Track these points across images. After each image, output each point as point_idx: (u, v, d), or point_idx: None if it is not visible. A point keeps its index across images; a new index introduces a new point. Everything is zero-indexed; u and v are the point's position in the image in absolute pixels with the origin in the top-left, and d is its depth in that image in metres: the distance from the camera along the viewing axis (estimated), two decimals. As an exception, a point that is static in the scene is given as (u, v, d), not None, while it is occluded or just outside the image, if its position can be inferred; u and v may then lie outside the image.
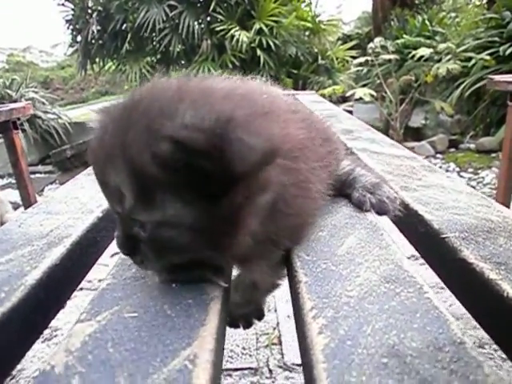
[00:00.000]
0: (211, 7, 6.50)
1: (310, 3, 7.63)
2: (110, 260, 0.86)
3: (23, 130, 5.39)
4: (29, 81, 7.05)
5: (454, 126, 5.50)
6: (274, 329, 1.98)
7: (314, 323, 0.43)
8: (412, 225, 0.73)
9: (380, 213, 0.73)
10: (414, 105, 5.57)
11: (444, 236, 0.63)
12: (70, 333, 0.44)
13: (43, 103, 6.41)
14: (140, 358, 0.40)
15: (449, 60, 4.79)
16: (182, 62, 7.47)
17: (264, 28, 6.47)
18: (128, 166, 0.46)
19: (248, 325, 0.89)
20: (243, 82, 0.60)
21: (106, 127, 0.50)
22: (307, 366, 0.39)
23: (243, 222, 0.47)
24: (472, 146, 4.86)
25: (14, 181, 5.11)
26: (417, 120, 5.64)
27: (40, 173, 5.34)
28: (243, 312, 0.86)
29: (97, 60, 7.36)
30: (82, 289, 2.13)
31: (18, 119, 2.26)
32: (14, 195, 4.05)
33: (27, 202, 2.41)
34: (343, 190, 0.76)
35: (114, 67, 7.64)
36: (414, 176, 0.92)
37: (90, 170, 1.05)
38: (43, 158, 5.90)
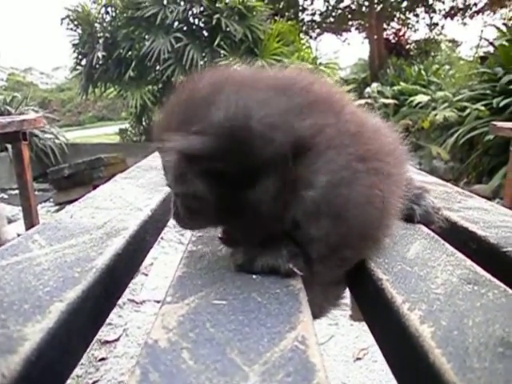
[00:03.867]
0: (216, 42, 6.71)
1: (310, 47, 7.95)
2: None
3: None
4: (28, 100, 7.09)
5: (447, 172, 5.64)
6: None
7: (412, 314, 0.43)
8: (461, 241, 0.73)
9: (425, 223, 0.74)
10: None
11: (505, 250, 0.63)
12: (162, 312, 0.43)
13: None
14: (245, 338, 0.38)
15: (445, 108, 4.97)
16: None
17: (266, 66, 6.66)
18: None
19: None
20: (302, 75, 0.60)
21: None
22: (417, 352, 0.38)
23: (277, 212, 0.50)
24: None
25: (6, 196, 5.03)
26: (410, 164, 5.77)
27: (34, 190, 5.25)
28: None
29: (99, 84, 7.44)
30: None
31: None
32: (7, 210, 3.97)
33: (28, 213, 2.37)
34: None
35: (115, 93, 7.72)
36: (452, 200, 0.93)
37: (127, 173, 1.05)
38: (37, 177, 5.83)
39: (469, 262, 0.57)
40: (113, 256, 0.56)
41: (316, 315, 0.72)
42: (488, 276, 0.53)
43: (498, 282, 0.51)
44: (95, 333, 0.51)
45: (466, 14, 12.55)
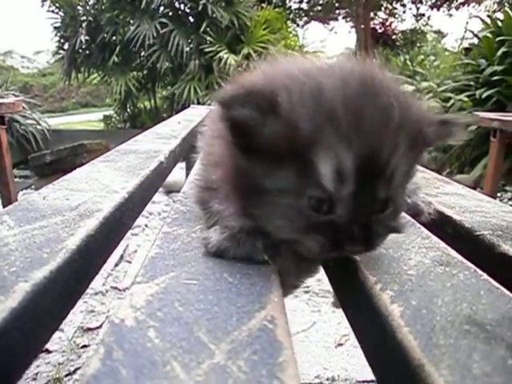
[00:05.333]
0: (202, 28, 6.61)
1: (297, 35, 7.91)
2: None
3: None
4: (8, 84, 6.91)
5: (430, 162, 5.70)
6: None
7: (384, 294, 0.43)
8: (438, 226, 0.74)
9: (413, 215, 0.74)
10: (393, 139, 5.77)
11: (479, 233, 0.64)
12: (131, 292, 0.42)
13: (23, 107, 6.25)
14: (214, 317, 0.38)
15: (430, 98, 5.01)
16: (168, 80, 7.50)
17: (252, 53, 6.61)
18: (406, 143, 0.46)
19: None
20: None
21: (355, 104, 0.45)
22: (386, 331, 0.39)
23: None
24: (447, 181, 5.03)
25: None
26: (395, 154, 5.82)
27: (15, 177, 5.15)
28: None
29: (82, 69, 7.29)
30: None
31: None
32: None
33: (7, 200, 2.32)
34: None
35: (99, 78, 7.58)
36: (430, 185, 0.94)
37: (105, 156, 1.03)
38: (17, 163, 5.71)
39: (442, 244, 0.58)
40: (85, 237, 0.55)
41: (289, 282, 0.72)
42: (460, 258, 0.53)
43: (469, 264, 0.51)
44: (65, 315, 0.50)
45: (452, 5, 12.62)
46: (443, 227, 0.73)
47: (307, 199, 0.45)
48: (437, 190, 0.90)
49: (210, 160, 0.59)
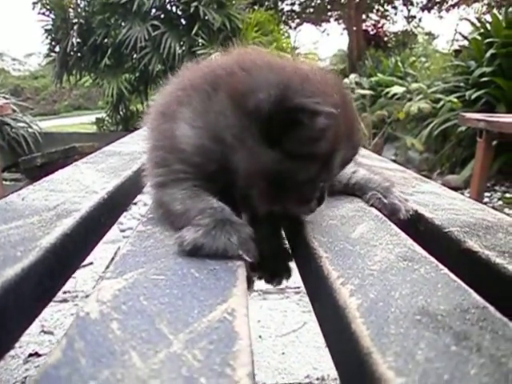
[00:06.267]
0: (194, 30, 6.62)
1: (289, 37, 7.94)
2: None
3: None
4: (-1, 87, 6.89)
5: (421, 163, 5.74)
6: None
7: (344, 288, 0.45)
8: (411, 223, 0.76)
9: (390, 214, 0.75)
10: (385, 140, 5.81)
11: (447, 230, 0.66)
12: (99, 287, 0.43)
13: (14, 110, 6.22)
14: (177, 310, 0.39)
15: (420, 99, 5.05)
16: (160, 82, 7.49)
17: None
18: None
19: None
20: None
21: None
22: (343, 322, 0.40)
23: None
24: (439, 182, 5.08)
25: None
26: (387, 155, 5.86)
27: (5, 180, 5.12)
28: None
29: (74, 72, 7.27)
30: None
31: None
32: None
33: (-4, 203, 2.31)
34: (349, 190, 0.81)
35: (91, 81, 7.56)
36: (407, 184, 0.96)
37: (88, 158, 1.04)
38: (9, 166, 5.68)
39: (410, 241, 0.60)
40: (60, 236, 0.56)
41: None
42: (424, 253, 0.55)
43: (431, 259, 0.53)
44: (39, 312, 0.52)
45: (443, 8, 12.75)
46: (416, 225, 0.75)
47: (320, 182, 0.63)
48: (413, 188, 0.92)
49: (171, 156, 0.62)
